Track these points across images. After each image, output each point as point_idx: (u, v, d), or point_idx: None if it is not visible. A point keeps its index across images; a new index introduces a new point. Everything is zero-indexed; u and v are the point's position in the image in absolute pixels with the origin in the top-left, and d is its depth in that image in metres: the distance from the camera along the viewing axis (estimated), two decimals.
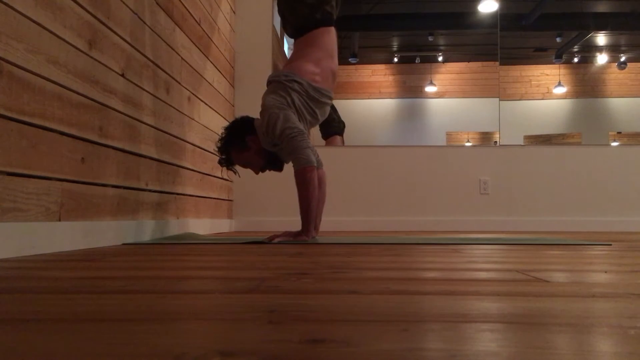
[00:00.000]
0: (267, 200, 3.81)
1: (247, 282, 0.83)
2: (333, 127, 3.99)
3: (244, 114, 3.79)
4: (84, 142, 1.66)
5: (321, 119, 2.26)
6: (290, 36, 2.36)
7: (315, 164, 2.06)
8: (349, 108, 4.14)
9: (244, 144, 2.17)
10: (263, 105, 2.14)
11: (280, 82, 2.13)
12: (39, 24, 1.42)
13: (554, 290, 0.75)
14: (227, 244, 1.90)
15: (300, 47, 2.25)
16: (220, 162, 2.25)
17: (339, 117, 4.06)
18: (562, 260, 1.26)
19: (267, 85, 2.23)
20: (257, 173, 2.27)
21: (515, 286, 0.79)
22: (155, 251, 1.54)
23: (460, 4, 4.17)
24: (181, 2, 2.61)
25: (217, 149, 2.24)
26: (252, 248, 1.68)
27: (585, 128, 4.12)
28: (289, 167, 2.34)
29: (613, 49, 4.22)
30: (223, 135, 2.22)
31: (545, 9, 4.20)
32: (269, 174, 3.78)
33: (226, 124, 3.53)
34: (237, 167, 2.30)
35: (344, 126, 4.05)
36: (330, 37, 2.24)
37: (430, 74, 4.23)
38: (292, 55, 2.28)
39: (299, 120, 2.12)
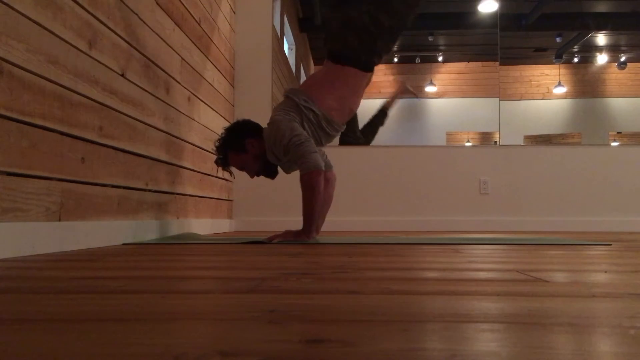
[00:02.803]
0: (267, 200, 3.81)
1: (247, 282, 0.83)
2: (349, 137, 3.95)
3: (245, 113, 3.80)
4: (84, 142, 1.66)
5: (325, 144, 2.26)
6: (327, 52, 2.22)
7: (323, 168, 2.05)
8: None
9: (243, 147, 2.15)
10: (272, 118, 2.12)
11: (298, 105, 2.11)
12: (39, 24, 1.42)
13: (554, 290, 0.75)
14: (227, 244, 1.90)
15: (331, 75, 2.16)
16: (216, 162, 2.23)
17: (361, 132, 4.00)
18: (562, 260, 1.26)
19: (285, 97, 2.20)
20: (251, 177, 2.26)
21: (515, 286, 0.79)
22: (155, 251, 1.54)
23: (460, 4, 4.17)
24: (181, 2, 2.61)
25: (214, 148, 2.22)
26: (252, 248, 1.68)
27: (585, 128, 4.12)
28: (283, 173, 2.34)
29: (613, 49, 4.22)
30: (223, 135, 2.21)
31: (545, 9, 4.20)
32: None
33: (226, 124, 3.54)
34: (233, 169, 2.29)
35: (363, 142, 3.99)
36: (362, 80, 2.18)
37: (430, 74, 4.23)
38: (320, 78, 2.20)
39: None
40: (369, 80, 2.27)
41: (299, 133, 2.04)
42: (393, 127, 4.16)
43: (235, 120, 2.26)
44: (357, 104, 2.23)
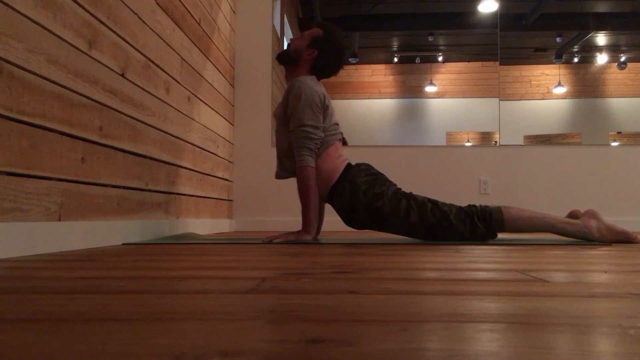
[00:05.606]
0: (267, 200, 3.81)
1: (247, 282, 0.83)
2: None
3: (245, 113, 3.80)
4: (84, 142, 1.66)
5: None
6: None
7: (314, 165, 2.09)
8: (349, 108, 4.14)
9: (311, 45, 2.20)
10: (299, 80, 2.12)
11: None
12: (39, 24, 1.42)
13: (554, 290, 0.75)
14: (227, 244, 1.90)
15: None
16: (304, 20, 2.37)
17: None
18: (562, 260, 1.26)
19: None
20: (289, 42, 2.29)
21: (515, 286, 0.79)
22: (155, 251, 1.54)
23: (460, 4, 4.17)
24: (181, 2, 2.61)
25: (313, 21, 2.37)
26: (252, 248, 1.68)
27: (585, 128, 4.12)
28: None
29: (613, 49, 4.22)
30: (328, 29, 2.24)
31: (545, 9, 4.20)
32: (268, 176, 3.79)
33: (226, 124, 3.53)
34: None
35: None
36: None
37: (430, 74, 4.23)
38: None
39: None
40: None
41: (315, 124, 2.07)
42: (393, 127, 4.16)
43: (338, 37, 2.25)
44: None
